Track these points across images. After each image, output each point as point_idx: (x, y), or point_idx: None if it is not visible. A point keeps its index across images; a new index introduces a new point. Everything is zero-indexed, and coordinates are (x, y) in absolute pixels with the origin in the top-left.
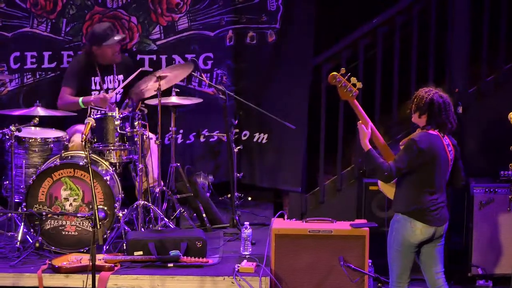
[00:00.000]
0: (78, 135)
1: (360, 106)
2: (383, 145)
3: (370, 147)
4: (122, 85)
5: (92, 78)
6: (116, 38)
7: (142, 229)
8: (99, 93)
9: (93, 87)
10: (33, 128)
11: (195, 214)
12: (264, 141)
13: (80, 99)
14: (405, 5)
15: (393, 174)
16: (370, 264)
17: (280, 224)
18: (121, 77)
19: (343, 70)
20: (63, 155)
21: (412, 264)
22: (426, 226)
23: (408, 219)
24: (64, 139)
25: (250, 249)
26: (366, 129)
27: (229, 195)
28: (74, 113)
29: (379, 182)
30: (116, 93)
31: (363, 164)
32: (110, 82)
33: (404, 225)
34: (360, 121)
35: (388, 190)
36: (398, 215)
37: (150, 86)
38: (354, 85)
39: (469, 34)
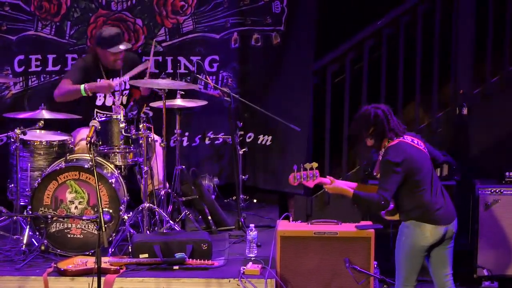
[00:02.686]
0: (84, 138)
1: (320, 178)
2: (358, 186)
3: (352, 191)
4: (129, 74)
5: (98, 79)
6: (122, 47)
7: (148, 231)
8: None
9: None
10: (38, 131)
11: (200, 217)
12: (268, 143)
13: (82, 85)
14: (409, 6)
15: (388, 199)
16: (375, 265)
17: (285, 226)
18: (127, 78)
19: (295, 167)
20: (68, 158)
21: (420, 267)
22: (435, 227)
23: (417, 223)
24: (69, 142)
25: (256, 251)
26: (330, 186)
27: (234, 197)
28: (79, 116)
29: (384, 216)
30: (123, 82)
31: (368, 167)
32: (116, 85)
33: (414, 230)
34: (326, 188)
35: (394, 215)
36: (406, 222)
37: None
38: (312, 168)
39: (474, 35)
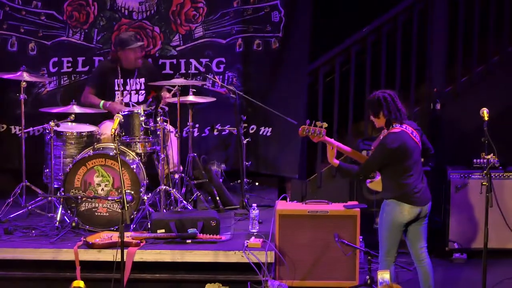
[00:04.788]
0: (109, 129)
1: (327, 137)
2: (352, 152)
3: (338, 162)
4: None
5: (116, 80)
6: (138, 44)
7: (164, 210)
8: (118, 101)
9: (116, 88)
10: (69, 123)
11: (209, 197)
12: (268, 134)
13: (101, 102)
14: (390, 16)
15: (365, 174)
16: (361, 239)
17: (283, 206)
18: (142, 80)
19: (308, 121)
20: (95, 146)
21: (399, 241)
22: (412, 207)
23: (397, 202)
24: (97, 133)
25: (257, 227)
26: (331, 149)
27: (239, 181)
28: (104, 111)
29: (368, 183)
30: (138, 83)
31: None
32: (132, 85)
33: (394, 208)
34: (328, 147)
35: (376, 186)
36: (388, 200)
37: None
38: (321, 126)
39: (446, 41)
